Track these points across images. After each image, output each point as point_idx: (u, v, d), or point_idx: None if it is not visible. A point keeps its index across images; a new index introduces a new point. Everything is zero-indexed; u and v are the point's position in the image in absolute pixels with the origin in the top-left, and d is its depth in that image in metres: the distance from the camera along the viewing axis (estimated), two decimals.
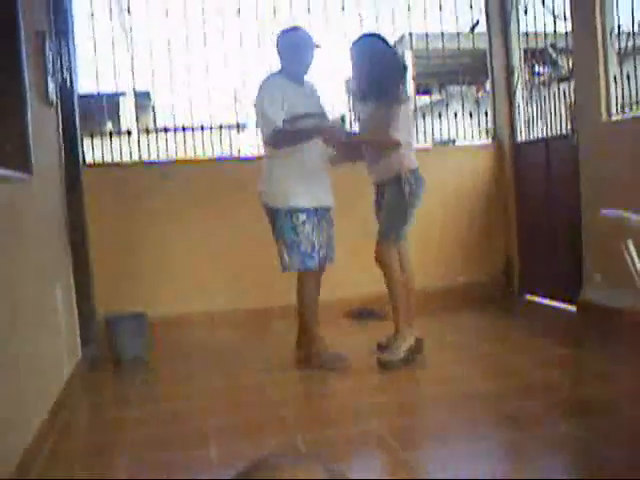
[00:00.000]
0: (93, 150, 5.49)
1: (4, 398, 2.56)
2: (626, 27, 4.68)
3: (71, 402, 3.71)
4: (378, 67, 4.02)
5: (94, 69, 5.49)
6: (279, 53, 4.22)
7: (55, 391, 3.49)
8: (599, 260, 4.87)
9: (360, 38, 4.28)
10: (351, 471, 2.68)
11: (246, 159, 5.90)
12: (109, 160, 5.61)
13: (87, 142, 5.42)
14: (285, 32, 4.26)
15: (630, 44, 4.73)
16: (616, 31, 4.72)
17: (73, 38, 4.97)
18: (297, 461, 0.75)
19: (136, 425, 3.40)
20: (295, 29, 4.30)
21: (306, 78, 4.28)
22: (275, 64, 4.35)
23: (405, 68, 4.31)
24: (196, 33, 5.71)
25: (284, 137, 4.01)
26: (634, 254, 1.69)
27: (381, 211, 4.18)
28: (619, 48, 4.75)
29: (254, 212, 5.43)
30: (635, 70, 4.59)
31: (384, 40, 4.23)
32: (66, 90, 4.67)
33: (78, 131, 4.94)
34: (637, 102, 4.64)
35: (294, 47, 4.16)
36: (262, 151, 5.65)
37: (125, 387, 4.32)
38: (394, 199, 4.06)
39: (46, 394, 3.33)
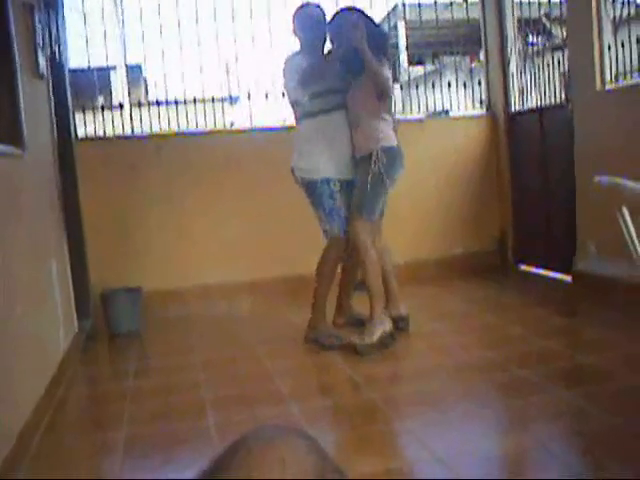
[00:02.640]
0: (85, 124, 5.46)
1: (2, 372, 2.57)
2: None
3: (68, 376, 3.73)
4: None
5: (84, 42, 5.43)
6: (294, 33, 4.16)
7: (52, 365, 3.50)
8: (593, 229, 4.87)
9: (337, 14, 4.13)
10: (346, 441, 2.71)
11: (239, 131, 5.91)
12: (101, 134, 5.58)
13: (79, 117, 5.39)
14: (296, 11, 4.19)
15: (625, 12, 4.70)
16: None
17: (62, 10, 4.92)
18: (278, 438, 0.75)
19: (133, 398, 3.41)
20: (304, 6, 4.21)
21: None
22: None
23: (388, 41, 4.24)
24: (188, 4, 5.65)
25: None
26: (629, 221, 1.68)
27: (354, 186, 4.06)
28: (614, 16, 4.72)
29: (250, 185, 5.46)
30: (629, 39, 4.57)
31: (364, 14, 4.12)
32: (56, 63, 4.63)
33: (70, 105, 4.91)
34: (631, 71, 4.62)
35: (305, 25, 4.10)
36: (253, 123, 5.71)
37: (121, 360, 4.33)
38: (366, 176, 3.94)
39: (44, 368, 3.34)
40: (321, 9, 4.17)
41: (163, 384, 3.63)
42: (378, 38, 4.04)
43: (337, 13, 4.13)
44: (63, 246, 4.43)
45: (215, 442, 2.73)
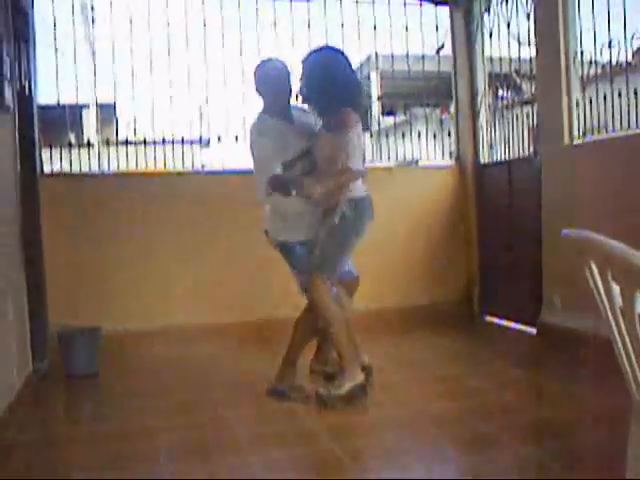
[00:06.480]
0: (52, 161, 5.38)
1: None
2: (589, 54, 4.74)
3: (18, 418, 3.59)
4: (335, 85, 3.73)
5: (55, 79, 5.38)
6: (257, 91, 3.98)
7: (2, 406, 3.37)
8: (560, 282, 4.88)
9: (321, 49, 3.97)
10: None
11: (210, 173, 5.88)
12: (67, 171, 5.51)
13: (47, 153, 5.33)
14: (257, 67, 3.99)
15: (592, 71, 4.78)
16: (579, 57, 4.77)
17: (34, 44, 4.88)
18: None
19: (85, 443, 3.29)
20: (266, 61, 4.02)
21: (293, 107, 4.04)
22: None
23: (361, 90, 4.12)
24: (161, 45, 5.64)
25: (274, 187, 3.80)
26: (598, 278, 1.66)
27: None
28: (581, 74, 4.80)
29: (216, 226, 5.41)
30: (597, 95, 4.64)
31: (344, 55, 3.91)
32: (25, 98, 4.57)
33: (37, 140, 4.85)
34: (598, 127, 4.68)
35: (268, 81, 3.90)
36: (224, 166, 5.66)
37: (76, 403, 4.20)
38: (328, 229, 3.80)
39: None
40: (283, 64, 3.98)
41: (117, 430, 3.50)
42: (350, 86, 3.86)
43: (318, 50, 3.94)
44: (21, 284, 4.31)
45: None
